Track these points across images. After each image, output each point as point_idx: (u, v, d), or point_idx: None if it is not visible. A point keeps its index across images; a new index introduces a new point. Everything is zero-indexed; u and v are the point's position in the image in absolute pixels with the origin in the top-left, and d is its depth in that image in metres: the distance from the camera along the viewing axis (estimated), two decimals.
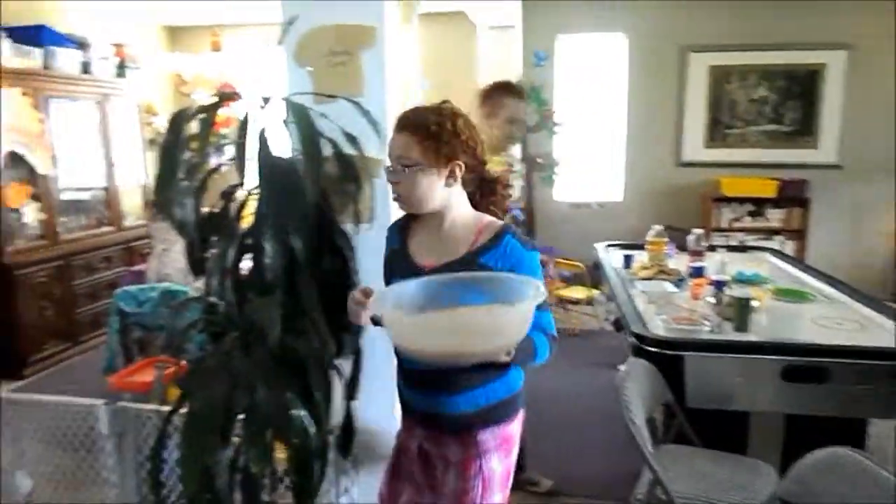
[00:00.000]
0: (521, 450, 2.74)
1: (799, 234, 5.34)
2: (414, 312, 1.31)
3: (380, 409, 1.99)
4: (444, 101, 1.50)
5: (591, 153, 5.86)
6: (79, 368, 4.33)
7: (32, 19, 4.54)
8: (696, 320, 2.32)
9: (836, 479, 1.66)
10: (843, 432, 2.10)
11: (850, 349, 2.09)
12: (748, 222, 5.39)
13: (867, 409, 2.14)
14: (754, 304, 2.34)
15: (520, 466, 2.76)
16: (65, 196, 4.60)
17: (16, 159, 4.15)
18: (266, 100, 1.64)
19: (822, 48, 5.21)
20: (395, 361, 1.98)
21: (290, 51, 1.80)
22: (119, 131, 5.12)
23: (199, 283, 1.89)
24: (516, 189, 2.72)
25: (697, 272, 2.92)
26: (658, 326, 2.32)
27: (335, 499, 1.93)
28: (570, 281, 5.15)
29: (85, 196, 4.86)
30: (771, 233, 5.34)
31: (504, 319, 1.26)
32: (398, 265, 1.54)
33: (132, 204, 5.28)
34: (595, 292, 5.02)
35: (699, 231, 3.20)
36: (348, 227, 1.75)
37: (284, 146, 1.74)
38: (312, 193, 1.51)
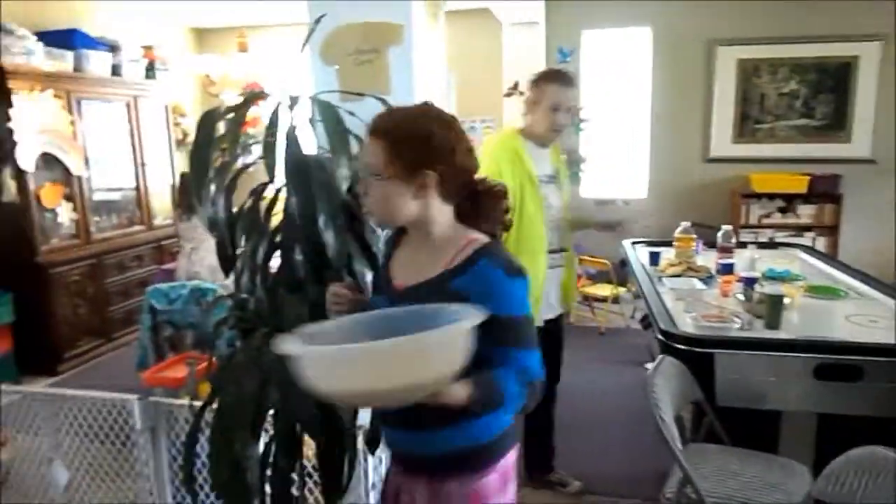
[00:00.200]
0: (550, 448, 2.75)
1: (831, 231, 5.23)
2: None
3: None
4: (425, 103, 1.34)
5: (617, 150, 5.81)
6: (112, 365, 4.43)
7: (65, 22, 4.64)
8: (727, 317, 2.29)
9: (874, 479, 1.63)
10: (876, 432, 2.06)
11: (884, 347, 2.05)
12: (778, 219, 5.29)
13: None
14: (786, 301, 2.30)
15: (548, 466, 2.76)
16: (97, 196, 4.71)
17: (50, 160, 4.25)
18: (294, 99, 1.66)
19: (854, 40, 5.09)
20: None
21: (317, 49, 1.81)
22: (148, 132, 5.21)
23: (228, 282, 1.91)
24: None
25: (727, 269, 2.89)
26: (687, 324, 2.30)
27: (364, 495, 1.95)
28: (595, 278, 5.12)
29: (116, 196, 4.96)
30: (802, 229, 5.24)
31: (418, 349, 1.00)
32: (379, 282, 1.44)
33: (162, 203, 5.38)
34: (621, 290, 4.98)
35: (728, 227, 3.15)
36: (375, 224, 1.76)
37: (311, 144, 1.76)
38: (341, 191, 1.52)
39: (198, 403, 1.72)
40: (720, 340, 2.14)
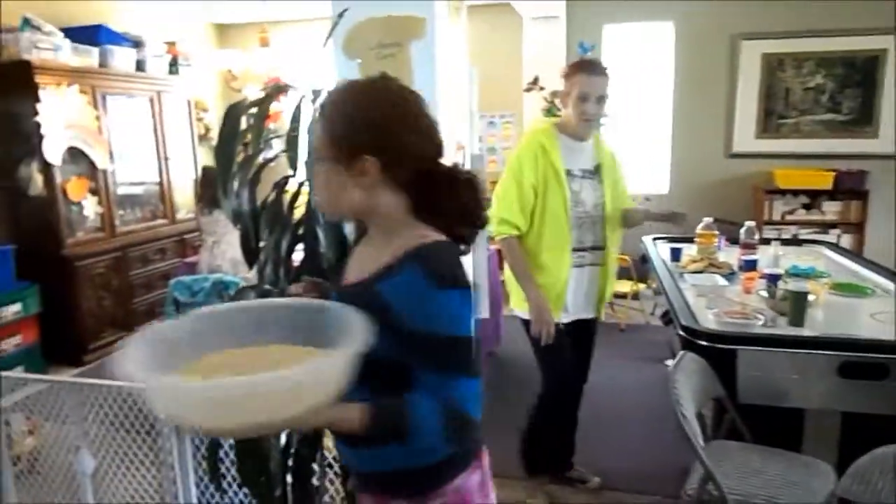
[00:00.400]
0: (570, 445, 2.73)
1: (857, 228, 5.15)
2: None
3: None
4: (382, 77, 1.15)
5: (638, 145, 5.76)
6: None
7: (90, 19, 4.70)
8: (749, 314, 2.27)
9: None
10: None
11: None
12: (802, 215, 5.22)
13: None
14: (810, 298, 2.27)
15: (568, 463, 2.75)
16: (121, 190, 4.78)
17: (76, 154, 4.32)
18: (317, 92, 1.67)
19: (881, 33, 4.99)
20: None
21: (340, 43, 1.82)
22: (171, 127, 5.28)
23: (250, 274, 1.93)
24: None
25: (750, 265, 2.85)
26: (709, 320, 2.28)
27: None
28: (616, 275, 5.09)
29: (140, 190, 5.03)
30: (826, 226, 5.17)
31: (270, 388, 0.86)
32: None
33: (184, 197, 5.44)
34: (641, 286, 4.95)
35: (751, 223, 3.12)
36: None
37: None
38: None
39: None
40: (743, 337, 2.12)
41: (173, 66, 5.37)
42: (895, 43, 4.99)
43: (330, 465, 1.87)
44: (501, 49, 5.88)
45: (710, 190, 5.52)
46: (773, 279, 2.51)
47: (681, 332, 2.20)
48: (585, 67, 2.33)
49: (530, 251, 2.38)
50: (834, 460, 2.02)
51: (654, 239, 3.70)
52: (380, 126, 1.07)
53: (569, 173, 2.36)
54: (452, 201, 1.14)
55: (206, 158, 5.70)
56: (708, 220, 3.22)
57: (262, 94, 1.72)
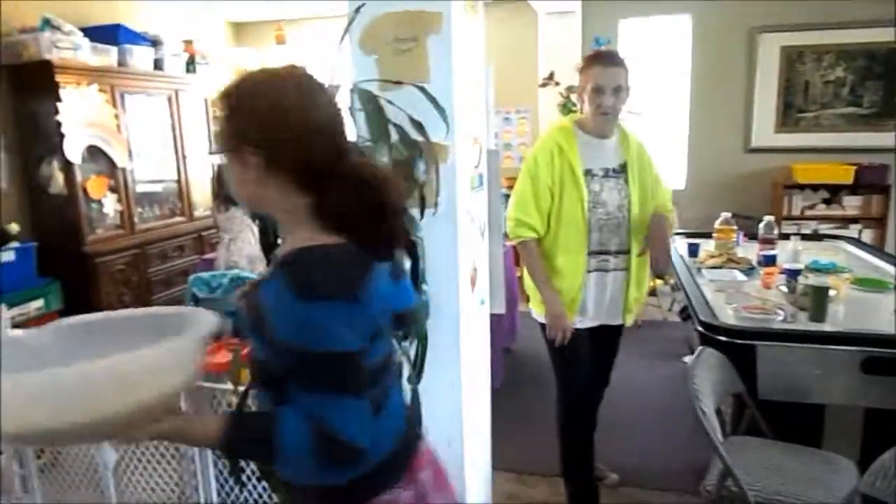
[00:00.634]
0: (588, 441, 2.67)
1: (878, 223, 5.08)
2: None
3: (443, 393, 2.02)
4: (288, 66, 1.09)
5: (655, 140, 5.72)
6: None
7: (107, 18, 4.75)
8: (769, 309, 2.25)
9: None
10: None
11: None
12: (822, 210, 5.16)
13: None
14: (831, 293, 2.25)
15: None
16: (140, 188, 4.82)
17: (95, 153, 4.37)
18: (335, 88, 1.67)
19: None
20: (460, 346, 2.00)
21: (356, 38, 1.83)
22: (189, 125, 5.32)
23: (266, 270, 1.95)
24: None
25: (769, 261, 2.83)
26: (728, 315, 2.26)
27: None
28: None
29: (158, 188, 5.07)
30: (847, 221, 5.10)
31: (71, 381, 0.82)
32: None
33: (202, 195, 5.48)
34: (658, 282, 4.91)
35: (770, 218, 3.09)
36: (414, 212, 1.77)
37: (351, 133, 1.78)
38: None
39: (241, 388, 1.75)
40: (763, 332, 2.10)
41: (190, 65, 5.40)
42: None
43: None
44: (516, 44, 5.85)
45: (728, 185, 5.47)
46: (793, 274, 2.48)
47: (699, 328, 2.19)
48: (599, 59, 2.22)
49: (546, 254, 2.29)
50: (856, 456, 2.00)
51: (672, 234, 3.67)
52: (263, 119, 1.01)
53: (588, 173, 2.23)
54: (353, 204, 1.04)
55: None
56: (726, 215, 3.20)
57: None
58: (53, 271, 4.11)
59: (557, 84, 5.58)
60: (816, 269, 2.73)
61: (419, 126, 1.70)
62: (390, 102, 1.69)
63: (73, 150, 4.14)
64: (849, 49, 5.08)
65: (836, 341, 2.03)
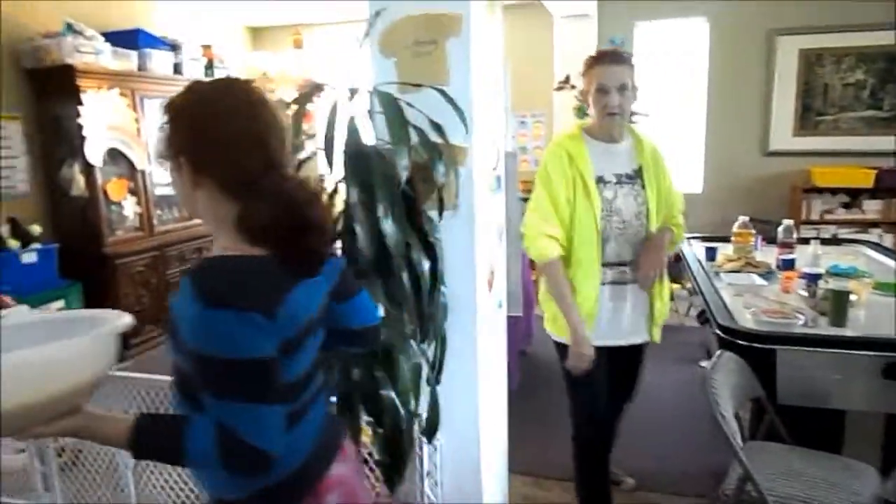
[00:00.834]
0: (603, 459, 2.53)
1: None
2: None
3: (460, 395, 2.02)
4: (228, 79, 1.16)
5: (671, 143, 5.69)
6: None
7: (126, 23, 4.81)
8: (789, 314, 2.23)
9: None
10: None
11: None
12: (842, 214, 5.10)
13: None
14: (852, 297, 2.23)
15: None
16: (158, 191, 4.88)
17: (116, 156, 4.43)
18: (354, 91, 1.69)
19: None
20: (477, 348, 2.01)
21: (376, 41, 1.84)
22: None
23: None
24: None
25: (788, 265, 2.81)
26: (747, 319, 2.24)
27: (418, 481, 1.97)
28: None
29: None
30: (867, 225, 5.04)
31: None
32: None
33: None
34: (675, 286, 4.88)
35: (789, 222, 3.06)
36: (433, 213, 1.78)
37: (370, 135, 1.79)
38: (401, 181, 1.54)
39: None
40: (782, 337, 2.08)
41: (209, 69, 5.46)
42: None
43: (365, 461, 1.89)
44: (532, 48, 5.85)
45: (746, 188, 5.43)
46: (812, 278, 2.46)
47: (718, 332, 2.17)
48: (601, 58, 2.07)
49: None
50: (877, 463, 1.98)
51: (689, 238, 3.65)
52: (192, 127, 1.06)
53: (600, 180, 2.08)
54: (274, 218, 1.05)
55: None
56: (744, 218, 3.17)
57: (297, 95, 1.75)
58: (74, 272, 4.17)
59: (573, 87, 5.57)
60: (837, 273, 2.70)
61: (438, 128, 1.71)
62: (410, 105, 1.70)
63: (94, 152, 4.20)
64: (869, 51, 5.03)
65: (856, 346, 2.01)
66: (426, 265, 1.68)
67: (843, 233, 4.80)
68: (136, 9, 5.11)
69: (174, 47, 5.07)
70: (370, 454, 1.84)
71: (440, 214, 1.80)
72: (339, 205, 1.71)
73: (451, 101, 1.70)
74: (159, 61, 4.84)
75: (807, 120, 5.26)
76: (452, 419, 1.97)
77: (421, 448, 1.94)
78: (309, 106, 1.74)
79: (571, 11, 5.43)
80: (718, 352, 2.06)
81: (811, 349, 2.03)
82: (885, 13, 4.88)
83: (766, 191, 5.38)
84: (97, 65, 4.27)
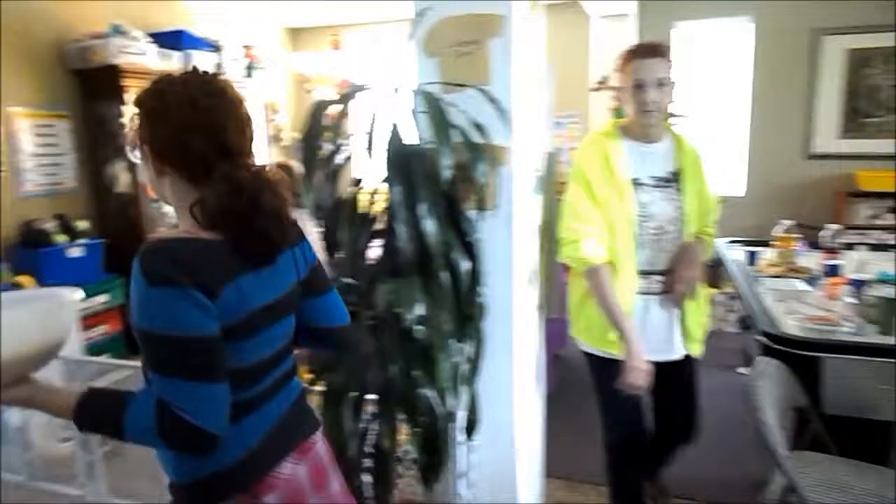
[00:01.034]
0: (637, 482, 2.34)
1: None
2: None
3: (496, 396, 2.02)
4: (193, 70, 1.17)
5: (713, 146, 5.60)
6: None
7: (167, 24, 4.91)
8: (835, 320, 2.17)
9: None
10: None
11: None
12: (889, 219, 4.94)
13: None
14: None
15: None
16: None
17: None
18: (397, 90, 1.70)
19: None
20: (513, 349, 2.00)
21: (420, 42, 1.85)
22: None
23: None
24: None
25: (833, 271, 2.74)
26: (791, 326, 2.19)
27: (453, 481, 1.97)
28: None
29: None
30: None
31: None
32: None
33: None
34: (713, 291, 4.79)
35: (835, 227, 2.98)
36: (473, 213, 1.78)
37: (412, 135, 1.79)
38: (443, 180, 1.54)
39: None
40: (828, 344, 2.03)
41: (249, 70, 5.55)
42: None
43: (400, 459, 1.90)
44: (567, 48, 5.80)
45: (789, 192, 5.30)
46: (859, 285, 2.39)
47: (761, 338, 2.13)
48: (638, 52, 1.91)
49: None
50: None
51: (729, 242, 3.58)
52: (151, 118, 1.10)
53: (636, 182, 1.94)
54: (225, 203, 1.07)
55: (278, 159, 5.87)
56: (788, 223, 3.11)
57: (340, 94, 1.77)
58: (117, 267, 4.27)
59: (611, 89, 5.52)
60: (886, 280, 2.62)
61: (480, 128, 1.71)
62: (452, 105, 1.70)
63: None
64: None
65: None
66: (466, 265, 1.68)
67: (891, 239, 4.65)
68: (180, 9, 5.22)
69: (216, 48, 5.16)
70: (405, 452, 1.84)
71: (481, 214, 1.80)
72: (380, 204, 1.72)
73: (493, 100, 1.70)
74: (201, 62, 4.93)
75: (853, 122, 5.12)
76: (488, 419, 1.96)
77: (456, 448, 1.94)
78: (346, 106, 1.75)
79: (609, 11, 5.37)
80: (759, 358, 2.02)
81: (858, 357, 1.97)
82: None
83: (809, 195, 5.25)
84: (141, 65, 4.36)
